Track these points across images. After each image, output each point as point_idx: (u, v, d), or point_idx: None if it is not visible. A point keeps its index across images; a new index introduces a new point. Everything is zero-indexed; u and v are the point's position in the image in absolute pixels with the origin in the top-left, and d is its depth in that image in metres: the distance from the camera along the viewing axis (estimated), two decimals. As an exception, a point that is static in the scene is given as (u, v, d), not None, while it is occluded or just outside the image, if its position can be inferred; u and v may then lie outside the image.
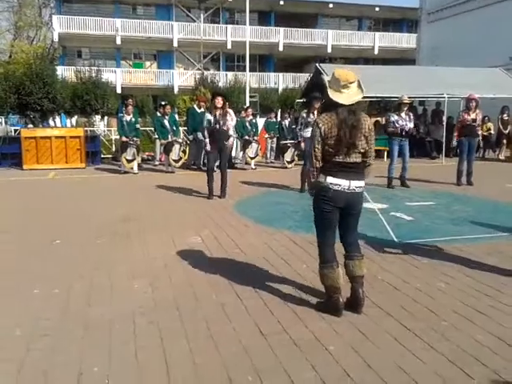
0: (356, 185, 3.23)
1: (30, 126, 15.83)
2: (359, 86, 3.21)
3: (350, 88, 3.16)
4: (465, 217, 6.48)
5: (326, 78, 3.28)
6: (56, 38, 29.62)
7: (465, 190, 8.74)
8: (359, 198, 3.31)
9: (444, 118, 14.65)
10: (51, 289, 3.81)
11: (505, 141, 14.75)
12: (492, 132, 15.16)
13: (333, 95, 3.16)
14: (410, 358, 2.75)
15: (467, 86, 13.68)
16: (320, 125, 3.17)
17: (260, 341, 2.96)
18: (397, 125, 8.82)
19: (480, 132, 8.72)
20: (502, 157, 14.79)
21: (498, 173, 8.89)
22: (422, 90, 13.38)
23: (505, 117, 14.85)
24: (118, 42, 30.12)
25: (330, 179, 3.20)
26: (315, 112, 7.97)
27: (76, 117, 18.93)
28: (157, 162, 12.86)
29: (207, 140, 7.81)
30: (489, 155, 15.40)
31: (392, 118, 8.87)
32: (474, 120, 8.95)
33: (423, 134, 15.10)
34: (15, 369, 2.63)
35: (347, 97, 3.15)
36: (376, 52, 33.74)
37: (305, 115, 8.25)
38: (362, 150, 3.22)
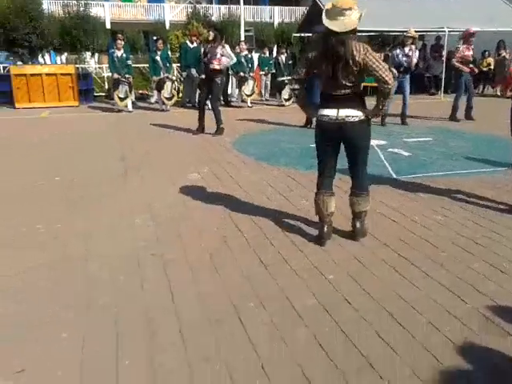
0: (346, 113, 3.19)
1: (20, 63, 15.32)
2: (355, 15, 3.06)
3: (346, 16, 3.04)
4: (462, 152, 6.49)
5: (325, 7, 3.16)
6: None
7: (462, 126, 8.69)
8: (354, 130, 3.25)
9: (444, 53, 14.29)
10: (54, 224, 3.85)
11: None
12: (492, 67, 14.86)
13: (326, 22, 3.08)
14: (407, 285, 2.84)
15: (468, 19, 13.24)
16: (307, 52, 3.23)
17: (261, 270, 3.03)
18: (397, 60, 8.61)
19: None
20: (498, 92, 14.60)
21: (495, 108, 8.84)
22: (421, 24, 12.91)
23: (502, 53, 14.47)
24: (106, -27, 28.62)
25: (320, 111, 3.29)
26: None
27: (66, 54, 18.29)
28: (153, 100, 12.62)
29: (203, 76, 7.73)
30: (488, 91, 15.19)
31: (395, 53, 8.64)
32: (473, 56, 8.82)
33: (422, 70, 14.78)
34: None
35: (340, 24, 3.04)
36: (375, -17, 32.32)
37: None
38: (349, 84, 3.14)
